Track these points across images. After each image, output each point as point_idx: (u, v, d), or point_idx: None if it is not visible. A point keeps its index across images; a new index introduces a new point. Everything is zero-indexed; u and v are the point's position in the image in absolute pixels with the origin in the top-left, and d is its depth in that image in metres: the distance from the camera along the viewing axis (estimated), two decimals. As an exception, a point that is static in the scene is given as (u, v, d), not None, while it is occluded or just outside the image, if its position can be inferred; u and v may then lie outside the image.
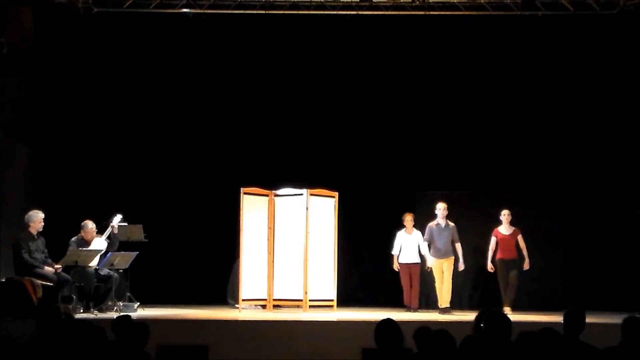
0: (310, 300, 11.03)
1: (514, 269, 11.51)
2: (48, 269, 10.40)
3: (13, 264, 10.56)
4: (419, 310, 11.63)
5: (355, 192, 12.49)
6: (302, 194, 11.23)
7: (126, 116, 13.10)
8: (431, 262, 11.54)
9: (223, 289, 12.11)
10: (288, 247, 11.23)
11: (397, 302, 12.46)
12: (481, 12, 12.78)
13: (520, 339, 5.33)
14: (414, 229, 11.81)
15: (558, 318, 9.41)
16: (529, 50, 12.94)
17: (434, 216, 11.67)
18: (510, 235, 11.61)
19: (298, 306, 11.15)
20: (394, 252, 11.81)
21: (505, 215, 11.65)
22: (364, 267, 13.18)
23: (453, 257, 11.49)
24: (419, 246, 11.73)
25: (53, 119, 12.62)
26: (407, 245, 11.79)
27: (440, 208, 11.61)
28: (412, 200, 12.60)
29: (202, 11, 12.81)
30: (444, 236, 11.53)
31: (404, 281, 11.72)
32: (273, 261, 11.26)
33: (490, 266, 11.66)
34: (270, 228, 11.32)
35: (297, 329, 9.32)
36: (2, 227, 11.23)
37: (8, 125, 11.54)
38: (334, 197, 11.47)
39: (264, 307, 11.35)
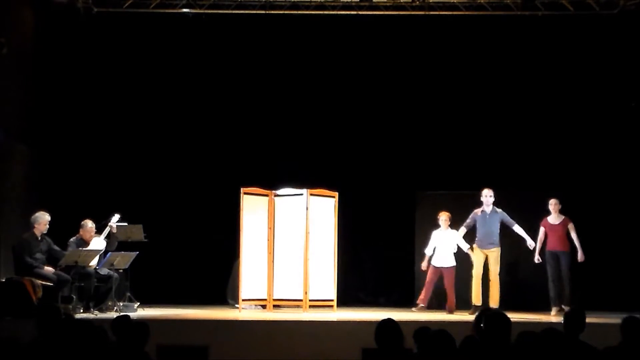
0: (310, 300, 11.02)
1: (565, 264, 11.06)
2: (48, 269, 10.41)
3: (13, 264, 10.57)
4: (457, 311, 11.28)
5: (355, 192, 12.49)
6: (302, 194, 11.23)
7: (126, 116, 13.09)
8: (470, 251, 11.14)
9: (223, 289, 12.11)
10: (288, 247, 11.23)
11: (397, 302, 12.51)
12: (481, 12, 12.78)
13: (520, 339, 5.33)
14: (450, 228, 11.48)
15: (558, 318, 9.45)
16: (529, 50, 12.93)
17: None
18: (560, 224, 11.15)
19: (298, 306, 11.14)
20: (427, 251, 11.53)
21: (553, 204, 11.15)
22: (364, 267, 13.17)
23: (499, 249, 11.08)
24: (457, 247, 11.40)
25: (53, 119, 12.63)
26: (442, 246, 11.44)
27: (487, 195, 11.14)
28: (412, 200, 12.59)
29: (202, 11, 12.82)
30: (489, 224, 11.08)
31: (429, 281, 11.42)
32: (273, 261, 11.25)
33: (537, 257, 11.21)
34: (270, 228, 11.31)
35: (297, 329, 9.32)
36: (2, 227, 11.24)
37: (8, 125, 11.54)
38: (334, 197, 11.46)
39: (264, 307, 11.35)
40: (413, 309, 11.48)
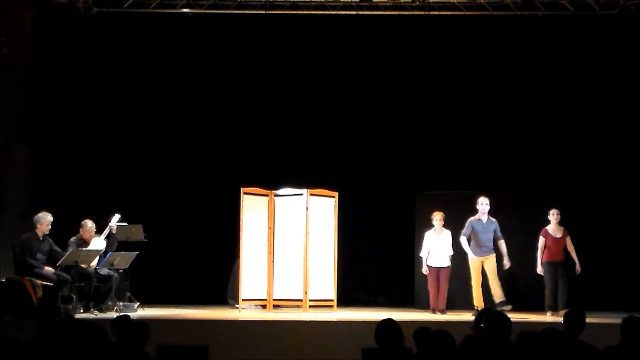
0: (310, 300, 11.02)
1: (563, 273, 11.00)
2: (48, 269, 10.41)
3: (13, 264, 10.57)
4: (447, 311, 11.30)
5: (355, 192, 12.48)
6: (302, 194, 11.23)
7: (126, 116, 13.09)
8: (470, 258, 11.13)
9: (223, 289, 12.10)
10: (288, 247, 11.23)
11: (397, 302, 12.50)
12: (481, 12, 12.78)
13: (520, 339, 5.34)
14: (444, 228, 11.48)
15: (558, 318, 9.45)
16: (529, 50, 12.93)
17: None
18: (561, 237, 11.07)
19: (298, 306, 11.14)
20: (422, 254, 11.50)
21: (554, 214, 11.06)
22: (364, 267, 13.16)
23: (494, 255, 11.10)
24: (451, 246, 11.39)
25: (53, 119, 12.62)
26: (437, 247, 11.43)
27: (483, 202, 11.10)
28: (412, 200, 12.59)
29: (202, 11, 12.82)
30: (487, 232, 11.11)
31: (431, 284, 11.38)
32: (273, 261, 11.26)
33: (540, 269, 11.13)
34: (270, 228, 11.32)
35: (297, 329, 9.33)
36: (2, 227, 11.23)
37: (8, 125, 11.54)
38: (334, 197, 11.46)
39: (264, 307, 11.35)
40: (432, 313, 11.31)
